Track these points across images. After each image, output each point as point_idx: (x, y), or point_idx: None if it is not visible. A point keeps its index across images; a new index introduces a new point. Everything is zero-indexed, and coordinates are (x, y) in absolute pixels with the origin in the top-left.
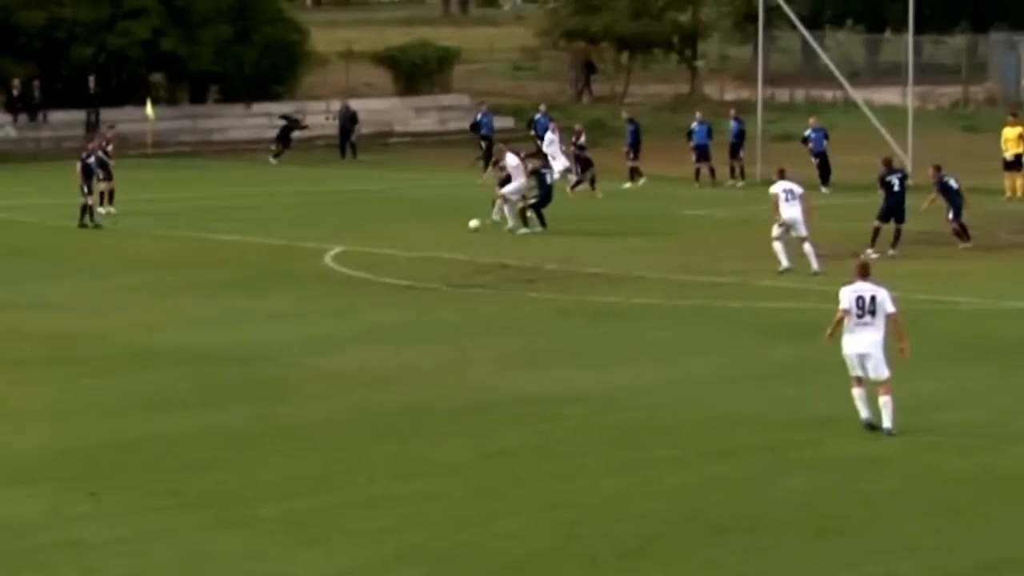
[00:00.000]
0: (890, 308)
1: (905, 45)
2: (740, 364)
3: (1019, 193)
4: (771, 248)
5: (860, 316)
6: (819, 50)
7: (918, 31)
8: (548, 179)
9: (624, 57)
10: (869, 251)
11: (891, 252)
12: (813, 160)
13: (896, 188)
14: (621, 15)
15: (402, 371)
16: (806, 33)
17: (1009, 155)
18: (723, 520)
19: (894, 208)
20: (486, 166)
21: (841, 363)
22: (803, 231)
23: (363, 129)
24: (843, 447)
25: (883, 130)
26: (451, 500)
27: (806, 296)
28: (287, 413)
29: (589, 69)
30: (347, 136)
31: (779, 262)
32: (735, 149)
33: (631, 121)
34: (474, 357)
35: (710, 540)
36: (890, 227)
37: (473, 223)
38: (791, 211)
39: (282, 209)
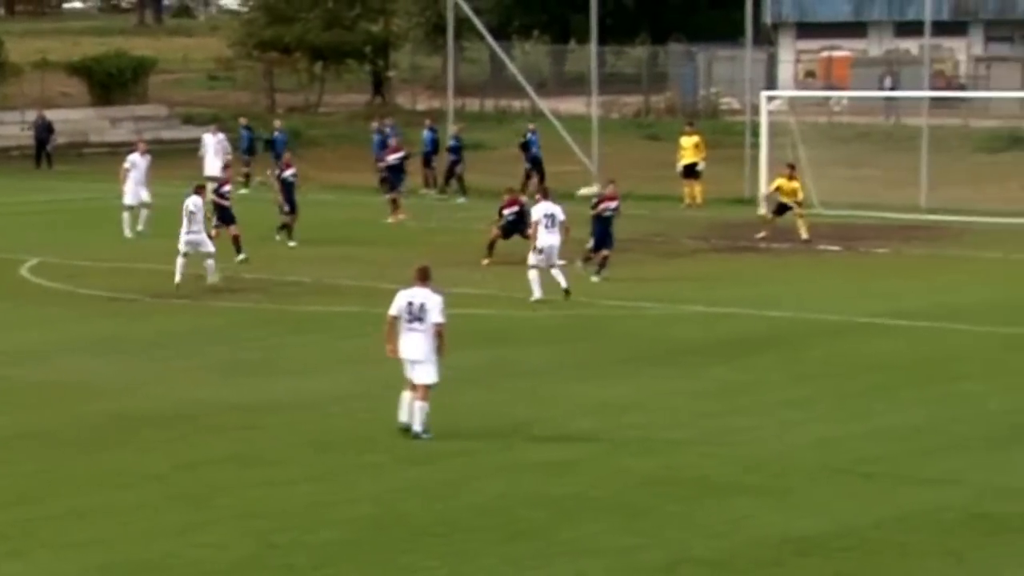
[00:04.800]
0: (436, 318)
1: (589, 56)
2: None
3: (698, 200)
4: (526, 274)
5: (410, 321)
6: (507, 60)
7: (601, 42)
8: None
9: (318, 67)
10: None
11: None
12: (526, 166)
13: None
14: (314, 26)
15: (105, 382)
16: (494, 44)
17: (686, 163)
18: (420, 525)
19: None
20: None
21: (532, 369)
22: (555, 259)
23: (59, 139)
24: (534, 451)
25: (569, 139)
26: (154, 510)
27: (498, 303)
28: None
29: (379, 81)
30: (43, 146)
31: (532, 291)
32: (428, 159)
33: (247, 127)
34: (176, 367)
35: (407, 545)
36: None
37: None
38: (549, 239)
39: None
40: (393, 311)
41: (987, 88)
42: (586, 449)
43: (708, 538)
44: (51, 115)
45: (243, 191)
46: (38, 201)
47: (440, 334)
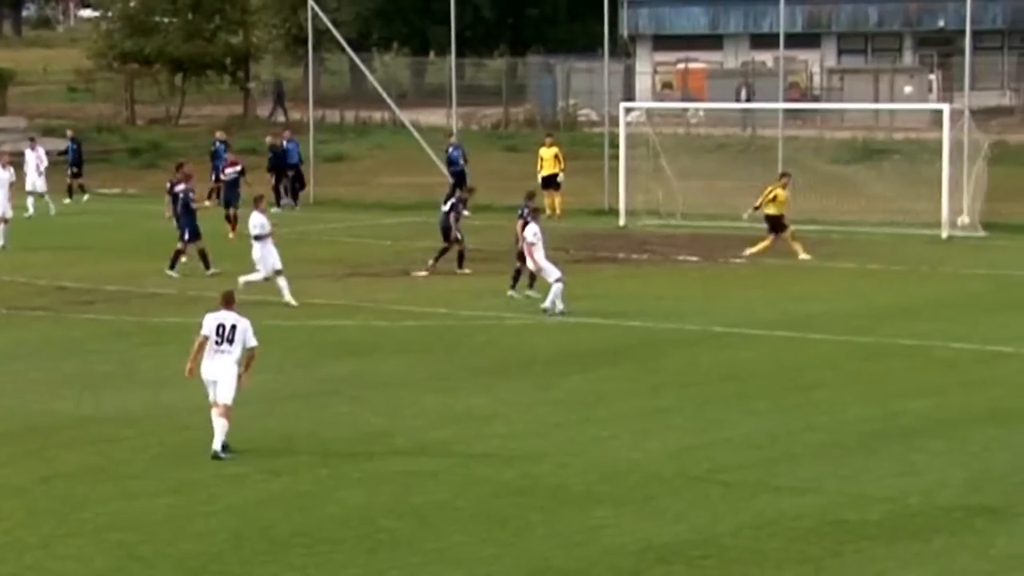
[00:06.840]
0: (252, 341)
1: (448, 67)
2: (295, 382)
3: (557, 211)
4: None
5: (219, 343)
6: (367, 72)
7: (460, 54)
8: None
9: (178, 79)
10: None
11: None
12: (451, 180)
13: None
14: (174, 37)
15: None
16: (354, 56)
17: (545, 174)
18: (281, 536)
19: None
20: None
21: (393, 380)
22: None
23: None
24: (396, 462)
25: (430, 151)
26: (12, 523)
27: (357, 314)
28: None
29: (280, 95)
30: None
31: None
32: (296, 172)
33: (74, 140)
34: (32, 379)
35: (269, 556)
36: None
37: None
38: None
39: None
40: (204, 332)
41: (840, 99)
42: (447, 459)
43: (568, 547)
44: None
45: (67, 201)
46: None
47: (253, 356)
